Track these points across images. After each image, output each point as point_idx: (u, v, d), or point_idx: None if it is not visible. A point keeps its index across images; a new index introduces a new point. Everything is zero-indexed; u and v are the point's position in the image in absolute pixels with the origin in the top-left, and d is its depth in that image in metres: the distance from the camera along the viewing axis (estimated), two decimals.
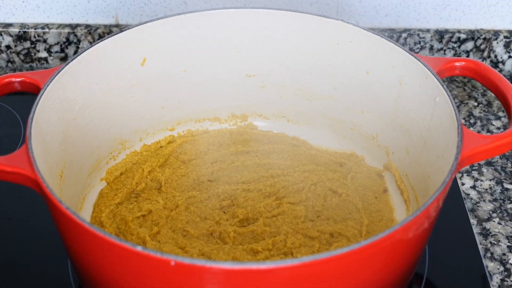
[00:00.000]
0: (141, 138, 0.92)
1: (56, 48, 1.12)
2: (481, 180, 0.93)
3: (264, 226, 0.80)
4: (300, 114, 0.95)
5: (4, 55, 1.13)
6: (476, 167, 0.95)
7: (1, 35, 1.11)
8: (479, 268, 0.80)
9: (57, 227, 0.66)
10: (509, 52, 1.12)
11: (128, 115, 0.89)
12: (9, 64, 1.14)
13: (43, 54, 1.12)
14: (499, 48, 1.12)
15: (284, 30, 0.88)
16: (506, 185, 0.92)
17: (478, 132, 1.01)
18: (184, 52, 0.89)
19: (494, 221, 0.87)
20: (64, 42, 1.11)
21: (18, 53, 1.13)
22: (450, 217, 0.85)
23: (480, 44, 1.12)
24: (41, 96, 0.72)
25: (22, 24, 1.12)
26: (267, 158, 0.90)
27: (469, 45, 1.12)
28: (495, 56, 1.13)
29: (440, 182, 0.64)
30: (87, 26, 1.11)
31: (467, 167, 0.95)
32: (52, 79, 0.75)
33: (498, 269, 0.81)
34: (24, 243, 0.81)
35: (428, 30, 1.11)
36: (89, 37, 1.10)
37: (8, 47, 1.12)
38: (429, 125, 0.78)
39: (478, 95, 1.09)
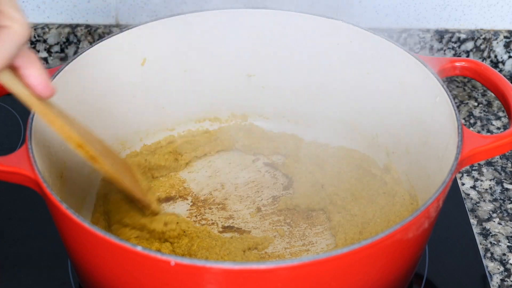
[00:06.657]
0: (141, 138, 0.92)
1: (56, 48, 1.12)
2: (481, 180, 0.93)
3: None
4: (300, 114, 0.94)
5: None
6: (476, 167, 0.95)
7: None
8: (479, 268, 0.80)
9: (57, 227, 0.66)
10: (509, 52, 1.12)
11: (128, 115, 0.88)
12: None
13: (43, 54, 1.12)
14: (499, 48, 1.12)
15: (284, 30, 0.88)
16: (506, 185, 0.92)
17: (478, 132, 1.01)
18: (184, 52, 0.89)
19: (494, 221, 0.87)
20: (64, 42, 1.11)
21: None
22: (450, 217, 0.85)
23: (480, 44, 1.12)
24: None
25: None
26: None
27: (469, 45, 1.12)
28: (495, 56, 1.13)
29: (440, 182, 0.64)
30: (87, 26, 1.11)
31: (467, 167, 0.95)
32: (52, 79, 0.75)
33: (498, 269, 0.81)
34: (24, 243, 0.81)
35: (428, 30, 1.11)
36: (89, 37, 1.10)
37: None
38: (429, 125, 0.78)
39: (478, 95, 1.09)
